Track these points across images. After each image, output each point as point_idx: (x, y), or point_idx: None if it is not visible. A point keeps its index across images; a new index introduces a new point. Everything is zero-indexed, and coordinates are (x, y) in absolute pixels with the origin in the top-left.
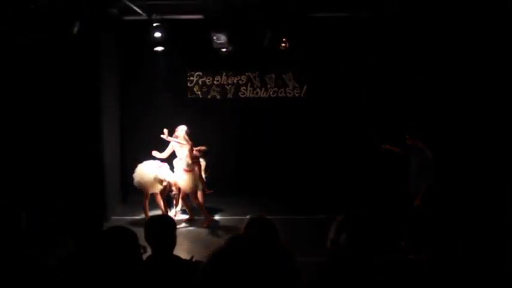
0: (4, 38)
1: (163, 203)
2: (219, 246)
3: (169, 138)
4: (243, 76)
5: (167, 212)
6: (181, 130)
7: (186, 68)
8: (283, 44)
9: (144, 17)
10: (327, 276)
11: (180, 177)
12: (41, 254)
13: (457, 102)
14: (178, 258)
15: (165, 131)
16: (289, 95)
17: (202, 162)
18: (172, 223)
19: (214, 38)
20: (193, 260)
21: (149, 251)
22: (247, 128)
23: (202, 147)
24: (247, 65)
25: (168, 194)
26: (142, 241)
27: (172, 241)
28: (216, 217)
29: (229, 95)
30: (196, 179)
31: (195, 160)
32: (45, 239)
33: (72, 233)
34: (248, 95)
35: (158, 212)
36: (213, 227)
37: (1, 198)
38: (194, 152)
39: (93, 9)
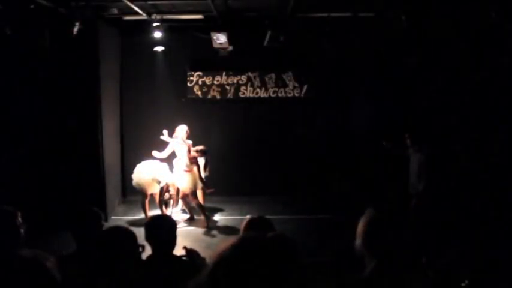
0: (4, 38)
1: (160, 203)
2: (228, 245)
3: (168, 139)
4: (243, 76)
5: (163, 212)
6: (181, 130)
7: (186, 68)
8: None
9: (144, 17)
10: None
11: (179, 177)
12: (40, 254)
13: (457, 102)
14: (178, 258)
15: (165, 131)
16: (289, 95)
17: (201, 161)
18: (173, 223)
19: (214, 38)
20: (187, 248)
21: (148, 251)
22: (247, 128)
23: (200, 147)
24: (247, 65)
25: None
26: (141, 241)
27: (173, 241)
28: (216, 217)
29: (229, 95)
30: (196, 179)
31: (193, 160)
32: (45, 239)
33: (72, 233)
34: (248, 95)
35: (158, 212)
36: (213, 227)
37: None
38: (192, 152)
39: (93, 9)
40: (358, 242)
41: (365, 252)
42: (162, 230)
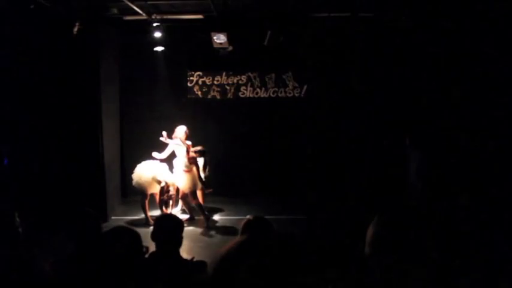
0: (4, 38)
1: (160, 203)
2: (232, 245)
3: (168, 141)
4: (243, 76)
5: (163, 212)
6: (181, 130)
7: (186, 68)
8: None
9: (144, 17)
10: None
11: (179, 177)
12: (40, 254)
13: (457, 102)
14: (181, 257)
15: (164, 133)
16: (289, 95)
17: (200, 161)
18: (181, 223)
19: (214, 38)
20: (194, 260)
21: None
22: (247, 128)
23: (198, 148)
24: (247, 65)
25: (162, 197)
26: (143, 240)
27: (179, 241)
28: (216, 217)
29: (229, 95)
30: (195, 179)
31: (192, 161)
32: (44, 239)
33: (72, 233)
34: (248, 95)
35: (158, 212)
36: (212, 227)
37: None
38: (190, 153)
39: (93, 9)
40: (367, 250)
41: (374, 260)
42: (172, 229)
